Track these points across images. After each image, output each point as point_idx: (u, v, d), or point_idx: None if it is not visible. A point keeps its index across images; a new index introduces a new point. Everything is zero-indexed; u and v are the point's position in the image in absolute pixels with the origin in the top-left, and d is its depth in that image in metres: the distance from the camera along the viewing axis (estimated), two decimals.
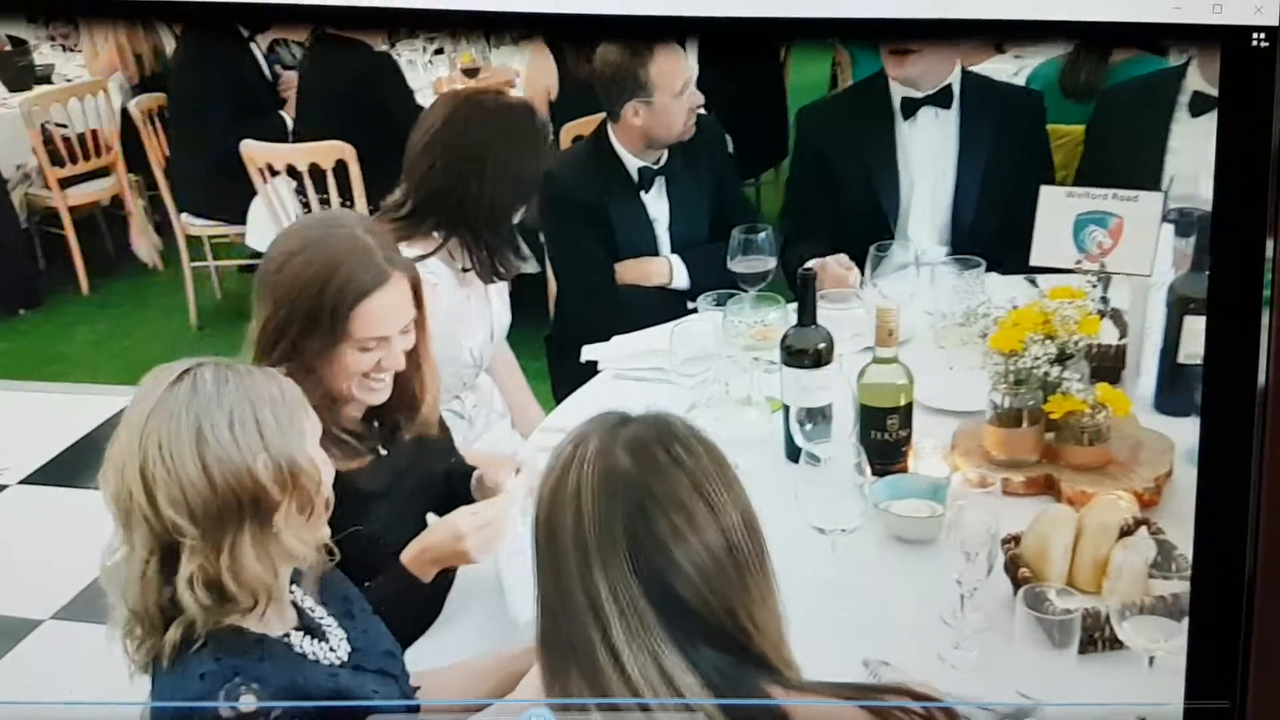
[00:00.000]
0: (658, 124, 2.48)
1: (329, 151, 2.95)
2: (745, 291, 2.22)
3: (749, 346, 2.07)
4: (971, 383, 2.05)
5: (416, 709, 1.50)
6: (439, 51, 3.46)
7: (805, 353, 1.90)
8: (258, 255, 3.28)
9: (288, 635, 1.39)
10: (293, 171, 3.00)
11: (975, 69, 2.64)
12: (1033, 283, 2.35)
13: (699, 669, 1.19)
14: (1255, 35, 1.36)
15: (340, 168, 2.95)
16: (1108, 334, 2.10)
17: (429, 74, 3.37)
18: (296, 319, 1.68)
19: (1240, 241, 1.41)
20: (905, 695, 1.24)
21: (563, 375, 2.48)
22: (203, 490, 1.27)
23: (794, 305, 2.08)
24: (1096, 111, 2.60)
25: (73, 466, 2.90)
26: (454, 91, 2.33)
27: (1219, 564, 1.48)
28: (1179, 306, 1.98)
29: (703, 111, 2.53)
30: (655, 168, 2.53)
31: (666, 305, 2.44)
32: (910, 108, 2.55)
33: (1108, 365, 2.07)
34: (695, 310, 2.28)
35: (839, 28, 1.51)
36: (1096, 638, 1.55)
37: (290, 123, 3.27)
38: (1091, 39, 2.20)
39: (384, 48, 3.21)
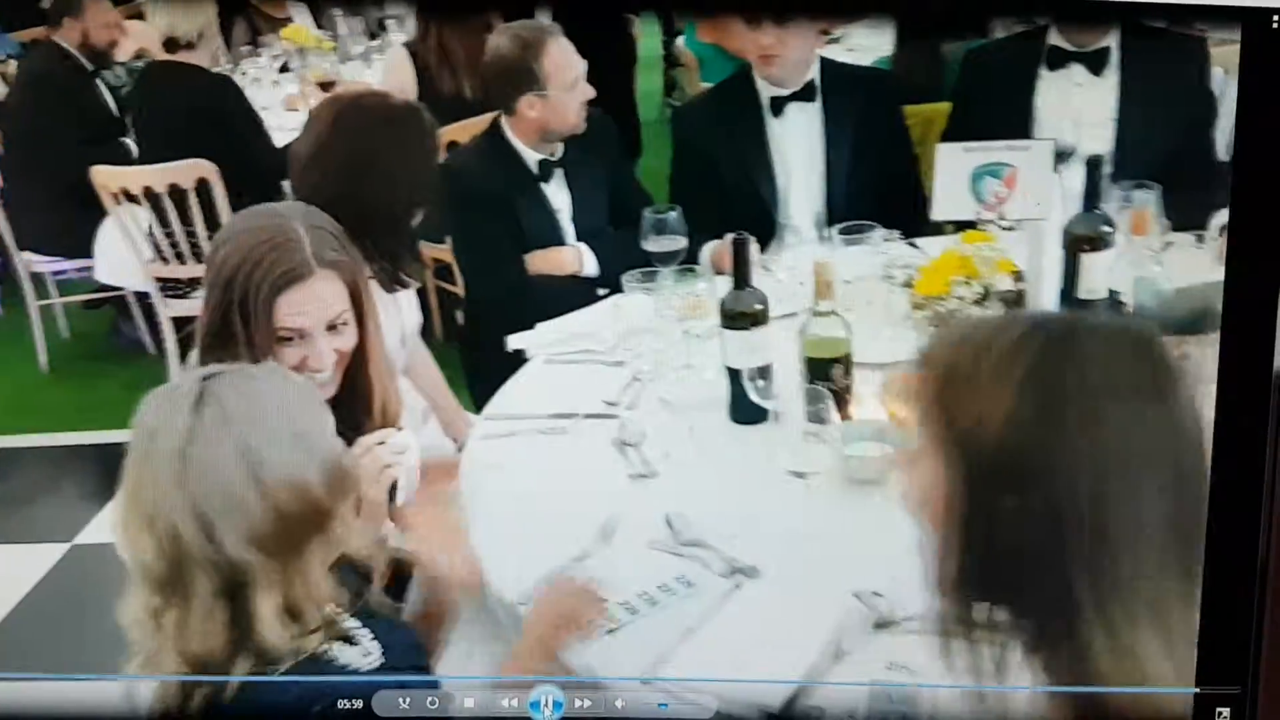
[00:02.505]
0: (554, 116, 2.51)
1: (189, 171, 2.83)
2: (660, 270, 2.26)
3: (683, 318, 2.11)
4: (884, 338, 2.16)
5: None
6: (284, 69, 3.39)
7: (746, 314, 1.95)
8: (106, 289, 3.14)
9: (327, 648, 1.30)
10: (150, 195, 2.88)
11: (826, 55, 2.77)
12: (913, 245, 2.48)
13: None
14: (1275, 17, 1.41)
15: (203, 187, 2.84)
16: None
17: (278, 91, 3.29)
18: (225, 307, 1.63)
19: (1261, 220, 1.44)
20: None
21: (479, 371, 2.46)
22: (267, 517, 1.19)
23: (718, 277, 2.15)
24: (961, 74, 2.76)
25: None
26: (335, 96, 2.25)
27: (1231, 549, 1.47)
28: (1075, 246, 2.12)
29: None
30: (554, 160, 2.55)
31: (579, 293, 2.46)
32: (779, 105, 2.66)
33: (1009, 308, 2.20)
34: (609, 294, 2.30)
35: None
36: None
37: (135, 149, 3.13)
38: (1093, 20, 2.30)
39: (219, 69, 3.13)
